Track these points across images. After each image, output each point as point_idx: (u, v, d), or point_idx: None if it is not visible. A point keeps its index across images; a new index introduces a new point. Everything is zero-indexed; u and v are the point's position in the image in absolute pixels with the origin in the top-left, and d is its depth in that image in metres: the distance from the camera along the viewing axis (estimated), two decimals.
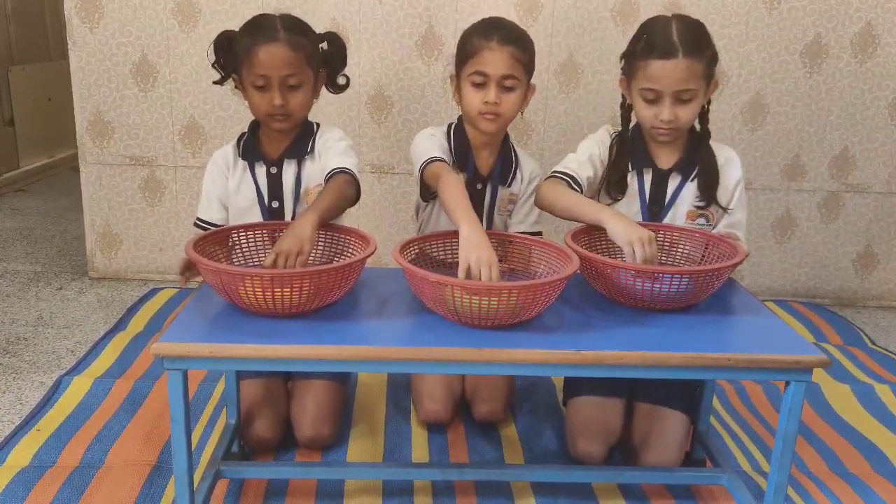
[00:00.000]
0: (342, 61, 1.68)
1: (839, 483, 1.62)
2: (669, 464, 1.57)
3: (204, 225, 1.66)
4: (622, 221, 1.41)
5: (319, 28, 1.65)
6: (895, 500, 1.57)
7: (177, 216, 2.68)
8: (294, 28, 1.58)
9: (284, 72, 1.55)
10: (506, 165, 1.73)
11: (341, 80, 1.70)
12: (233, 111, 2.56)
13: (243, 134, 1.69)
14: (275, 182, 1.65)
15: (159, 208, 2.68)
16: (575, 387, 1.69)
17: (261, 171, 1.65)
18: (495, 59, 1.59)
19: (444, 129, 1.74)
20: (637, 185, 1.62)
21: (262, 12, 1.64)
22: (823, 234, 2.71)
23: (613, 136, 1.65)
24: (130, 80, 2.55)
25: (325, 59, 1.65)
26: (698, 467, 1.64)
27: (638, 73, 1.54)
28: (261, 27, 1.57)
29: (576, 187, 1.58)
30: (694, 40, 1.50)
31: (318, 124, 1.70)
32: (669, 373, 1.21)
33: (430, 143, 1.64)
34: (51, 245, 3.08)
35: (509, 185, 1.74)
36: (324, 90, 1.69)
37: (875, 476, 1.66)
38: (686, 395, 1.65)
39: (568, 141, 2.56)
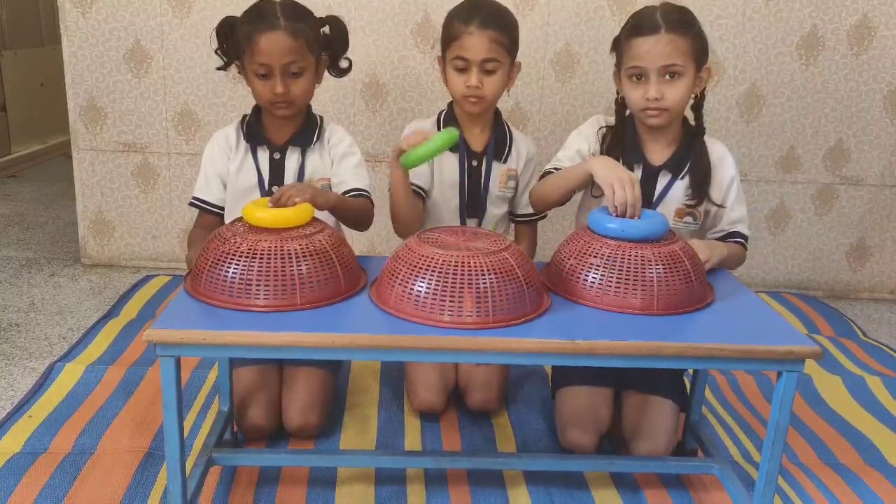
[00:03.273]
0: (344, 45, 1.69)
1: (829, 474, 1.63)
2: (660, 453, 1.58)
3: (201, 205, 1.67)
4: (607, 163, 1.44)
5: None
6: (885, 490, 1.58)
7: (170, 203, 2.67)
8: (295, 15, 1.57)
9: (286, 59, 1.55)
10: (500, 141, 1.77)
11: (343, 64, 1.71)
12: (227, 98, 2.55)
13: (245, 116, 1.69)
14: (277, 168, 1.65)
15: (152, 195, 2.67)
16: (564, 377, 1.69)
17: (263, 155, 1.66)
18: (475, 44, 1.62)
19: (434, 120, 1.77)
20: None
21: None
22: (817, 226, 2.72)
23: (603, 129, 1.64)
24: (124, 65, 2.53)
25: (326, 43, 1.65)
26: (690, 457, 1.65)
27: (624, 55, 1.55)
28: (262, 14, 1.56)
29: None
30: (678, 18, 1.50)
31: (321, 117, 1.71)
32: (662, 362, 1.21)
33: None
34: (43, 231, 3.07)
35: (505, 161, 1.77)
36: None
37: (865, 467, 1.66)
38: (675, 383, 1.66)
39: (563, 130, 2.56)
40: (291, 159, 1.66)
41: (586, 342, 1.18)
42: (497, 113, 1.79)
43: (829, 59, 2.53)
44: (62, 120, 2.77)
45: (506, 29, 1.64)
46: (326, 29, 1.65)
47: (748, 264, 2.71)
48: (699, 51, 1.52)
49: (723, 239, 1.62)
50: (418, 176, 1.71)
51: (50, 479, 1.47)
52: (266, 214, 1.29)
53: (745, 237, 1.63)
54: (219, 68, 1.66)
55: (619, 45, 1.57)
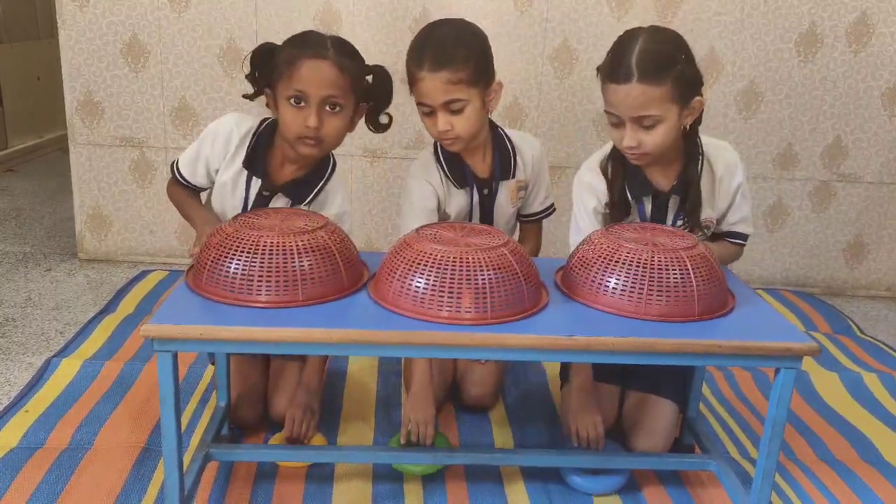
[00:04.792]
0: (387, 99, 1.58)
1: (826, 470, 1.63)
2: (658, 450, 1.58)
3: (180, 178, 1.61)
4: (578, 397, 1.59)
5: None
6: (881, 487, 1.58)
7: (167, 198, 2.66)
8: (344, 50, 1.48)
9: (326, 91, 1.44)
10: (504, 160, 1.67)
11: (384, 119, 1.60)
12: (224, 93, 2.54)
13: (261, 130, 1.56)
14: (262, 204, 1.57)
15: (149, 190, 2.66)
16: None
17: (255, 185, 1.57)
18: (430, 90, 1.51)
19: (432, 151, 1.66)
20: (638, 211, 1.55)
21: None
22: (814, 224, 2.72)
23: (604, 160, 1.56)
24: (121, 59, 2.53)
25: (368, 92, 1.55)
26: (687, 453, 1.65)
27: (603, 94, 1.47)
28: (309, 41, 1.47)
29: None
30: (654, 63, 1.37)
31: (333, 170, 1.60)
32: (660, 359, 1.21)
33: (414, 209, 1.62)
34: (40, 226, 3.06)
35: (513, 176, 1.68)
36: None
37: (861, 463, 1.67)
38: (677, 383, 1.65)
39: (561, 126, 2.56)
40: (278, 202, 1.57)
41: (584, 338, 1.18)
42: (492, 125, 1.67)
43: (827, 57, 2.53)
44: (59, 114, 2.76)
45: (464, 62, 1.49)
46: (369, 78, 1.55)
47: (745, 261, 2.72)
48: (682, 91, 1.40)
49: (718, 238, 1.61)
50: (423, 214, 1.62)
51: (47, 474, 1.47)
52: None
53: (744, 236, 1.59)
54: (246, 96, 1.56)
55: (601, 79, 1.46)
